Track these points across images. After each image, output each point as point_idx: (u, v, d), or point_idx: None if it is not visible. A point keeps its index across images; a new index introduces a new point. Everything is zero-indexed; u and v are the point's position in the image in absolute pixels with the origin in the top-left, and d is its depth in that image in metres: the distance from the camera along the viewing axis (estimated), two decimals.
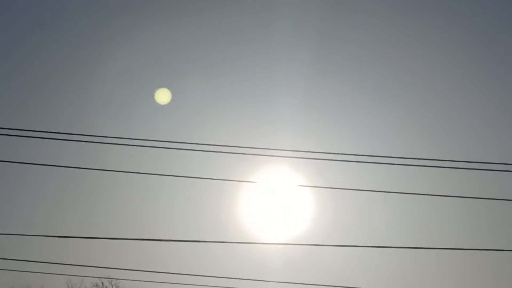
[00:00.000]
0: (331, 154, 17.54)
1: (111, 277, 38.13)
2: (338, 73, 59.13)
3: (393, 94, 60.02)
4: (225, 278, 19.07)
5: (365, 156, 17.35)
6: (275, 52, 53.39)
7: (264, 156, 17.43)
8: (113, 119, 57.04)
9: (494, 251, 18.40)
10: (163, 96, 49.90)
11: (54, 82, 58.98)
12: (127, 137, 16.64)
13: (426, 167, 17.28)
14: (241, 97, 57.72)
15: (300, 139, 51.30)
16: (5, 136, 16.10)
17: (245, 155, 17.29)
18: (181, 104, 57.43)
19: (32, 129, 16.18)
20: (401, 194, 18.47)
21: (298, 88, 53.24)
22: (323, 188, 20.06)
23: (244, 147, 17.17)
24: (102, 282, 44.08)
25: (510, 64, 61.42)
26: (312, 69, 55.90)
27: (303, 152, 17.67)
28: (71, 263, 19.89)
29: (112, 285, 44.71)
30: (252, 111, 56.41)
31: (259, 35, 56.33)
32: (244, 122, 55.09)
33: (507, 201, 17.97)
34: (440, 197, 17.99)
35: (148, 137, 16.77)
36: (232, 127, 54.09)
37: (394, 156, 17.31)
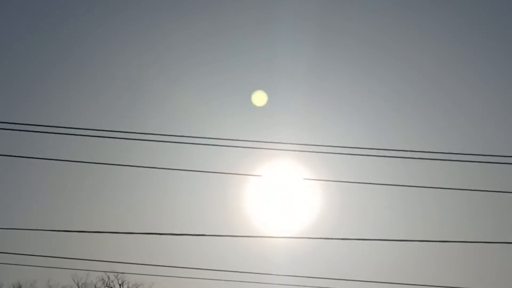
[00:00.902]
0: (336, 148, 17.44)
1: (117, 271, 37.98)
2: (342, 67, 59.02)
3: (396, 88, 59.89)
4: (231, 272, 18.95)
5: (371, 150, 17.27)
6: (278, 47, 53.28)
7: (269, 150, 17.34)
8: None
9: (495, 244, 18.33)
10: None
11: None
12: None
13: (431, 160, 17.21)
14: (245, 92, 57.65)
15: (304, 133, 51.23)
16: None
17: (250, 149, 17.23)
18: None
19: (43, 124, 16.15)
20: (405, 187, 18.38)
21: (303, 81, 53.15)
22: (328, 182, 19.99)
23: (249, 140, 17.07)
24: (108, 276, 43.91)
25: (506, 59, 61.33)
26: (315, 63, 55.84)
27: (308, 146, 17.57)
28: (77, 258, 19.80)
29: (118, 279, 44.55)
30: (254, 104, 56.34)
31: (261, 30, 56.23)
32: (248, 116, 55.03)
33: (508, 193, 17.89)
34: (444, 189, 17.92)
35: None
36: (236, 121, 54.04)
37: (400, 149, 17.23)
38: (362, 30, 58.28)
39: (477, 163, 17.35)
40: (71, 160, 17.11)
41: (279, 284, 20.13)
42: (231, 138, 17.01)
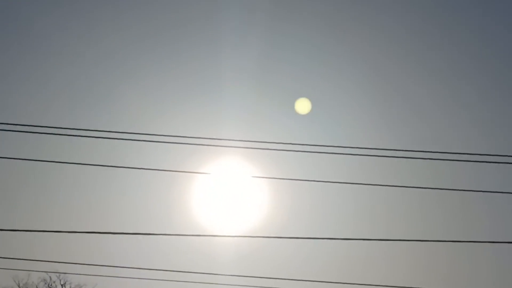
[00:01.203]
0: (286, 145, 17.30)
1: (59, 271, 37.51)
2: (287, 60, 59.00)
3: (345, 80, 60.10)
4: (176, 272, 18.64)
5: (321, 147, 17.12)
6: (222, 40, 53.00)
7: (216, 147, 17.06)
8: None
9: (443, 242, 18.38)
10: None
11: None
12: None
13: (381, 157, 17.14)
14: (189, 87, 57.38)
15: (251, 129, 51.13)
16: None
17: (197, 146, 16.93)
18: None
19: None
20: (355, 184, 18.26)
21: (250, 76, 53.03)
22: (278, 180, 19.78)
23: (196, 137, 16.80)
24: (50, 277, 43.38)
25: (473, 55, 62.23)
26: (263, 56, 55.74)
27: (256, 143, 17.36)
28: (17, 257, 19.34)
29: (60, 280, 44.04)
30: (201, 101, 56.16)
31: (205, 23, 55.95)
32: (194, 112, 54.75)
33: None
34: (395, 187, 17.87)
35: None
36: (181, 118, 53.68)
37: (350, 146, 17.13)
38: (310, 20, 58.39)
39: (426, 160, 17.34)
40: (13, 157, 16.62)
41: (225, 284, 19.89)
42: (176, 135, 16.70)
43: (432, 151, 17.12)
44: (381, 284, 19.81)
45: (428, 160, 17.49)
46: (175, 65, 58.19)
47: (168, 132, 16.58)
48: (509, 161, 17.81)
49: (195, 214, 42.62)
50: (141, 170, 17.92)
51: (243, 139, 17.44)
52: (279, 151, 17.46)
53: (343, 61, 60.11)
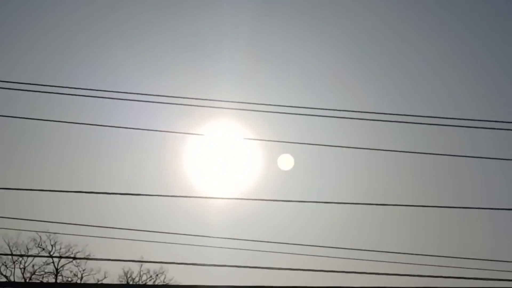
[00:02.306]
0: (279, 107, 17.11)
1: (50, 231, 37.18)
2: (282, 23, 58.57)
3: (336, 45, 59.76)
4: (168, 234, 18.52)
5: (314, 109, 16.96)
6: (218, 2, 52.47)
7: (210, 109, 16.88)
8: None
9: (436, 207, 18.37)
10: None
11: None
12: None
13: (378, 122, 16.99)
14: (185, 49, 56.92)
15: (245, 91, 50.78)
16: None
17: (190, 107, 16.74)
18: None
19: None
20: (350, 148, 18.14)
21: (244, 38, 52.58)
22: (270, 142, 19.67)
23: (189, 98, 16.58)
24: (40, 237, 43.03)
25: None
26: (257, 19, 55.26)
27: (249, 104, 17.17)
28: (7, 216, 19.14)
29: (50, 240, 43.75)
30: (196, 63, 55.76)
31: None
32: (189, 74, 54.34)
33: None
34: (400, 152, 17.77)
35: None
36: (176, 79, 53.27)
37: (342, 109, 16.98)
38: None
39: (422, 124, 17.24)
40: (3, 115, 16.40)
41: (217, 247, 19.81)
42: (170, 95, 16.49)
43: (428, 115, 17.00)
44: (378, 250, 19.80)
45: (424, 125, 17.40)
46: (168, 28, 57.80)
47: (163, 92, 16.39)
48: (503, 127, 17.76)
49: (188, 176, 42.36)
50: (134, 130, 17.74)
51: (236, 101, 17.26)
52: (272, 113, 17.31)
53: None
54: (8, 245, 42.94)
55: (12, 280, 41.68)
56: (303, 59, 58.12)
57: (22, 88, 15.83)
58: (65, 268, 44.92)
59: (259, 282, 12.96)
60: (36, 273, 43.76)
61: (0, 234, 41.12)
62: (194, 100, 16.58)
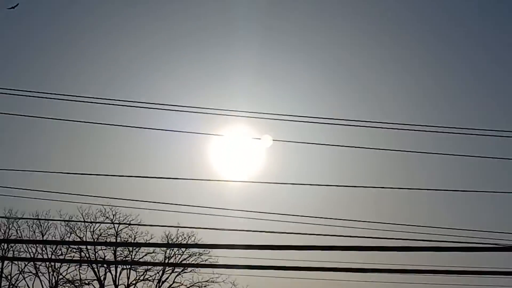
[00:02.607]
0: (281, 115, 21.33)
1: (111, 204, 45.25)
2: (287, 49, 63.64)
3: (334, 58, 63.79)
4: (197, 207, 23.26)
5: (299, 117, 20.95)
6: (233, 32, 58.30)
7: (226, 116, 21.00)
8: None
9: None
10: None
11: None
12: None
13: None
14: (206, 68, 64.01)
15: (254, 102, 58.33)
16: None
17: (212, 115, 20.88)
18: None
19: None
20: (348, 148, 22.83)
21: (253, 60, 59.23)
22: (275, 141, 24.64)
23: (212, 108, 20.90)
24: (105, 209, 51.33)
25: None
26: (263, 46, 61.15)
27: (257, 114, 21.47)
28: (82, 194, 24.53)
29: (112, 211, 52.02)
30: (216, 79, 63.13)
31: (217, 11, 60.46)
32: (211, 88, 62.00)
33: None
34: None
35: None
36: (199, 92, 60.93)
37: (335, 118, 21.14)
38: (311, 5, 61.89)
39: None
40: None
41: (233, 216, 24.75)
42: (198, 106, 20.85)
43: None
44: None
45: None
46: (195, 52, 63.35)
47: (188, 101, 20.72)
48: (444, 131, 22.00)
49: (211, 165, 50.93)
50: (170, 132, 23.22)
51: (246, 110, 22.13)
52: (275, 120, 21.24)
53: None
54: (82, 215, 51.80)
55: (84, 240, 50.70)
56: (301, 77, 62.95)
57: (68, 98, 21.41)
58: (122, 232, 53.91)
59: (264, 243, 12.94)
60: (101, 236, 52.40)
61: (76, 207, 49.65)
62: (215, 110, 21.47)
